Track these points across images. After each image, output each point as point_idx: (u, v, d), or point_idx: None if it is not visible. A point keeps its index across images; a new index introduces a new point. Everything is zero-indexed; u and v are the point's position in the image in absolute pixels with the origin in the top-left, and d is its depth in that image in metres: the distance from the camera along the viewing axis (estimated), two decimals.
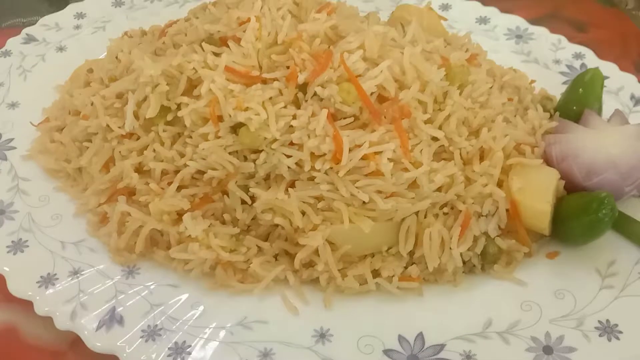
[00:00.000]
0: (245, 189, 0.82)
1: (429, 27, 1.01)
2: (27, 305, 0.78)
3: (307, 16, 0.92)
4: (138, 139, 0.87)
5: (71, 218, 0.88)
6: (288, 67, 0.84)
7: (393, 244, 0.81)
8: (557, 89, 1.03)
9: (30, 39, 1.18)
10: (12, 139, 0.99)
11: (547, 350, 0.72)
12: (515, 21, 1.20)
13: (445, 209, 0.82)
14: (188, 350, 0.73)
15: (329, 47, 0.86)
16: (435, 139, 0.83)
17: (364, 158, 0.78)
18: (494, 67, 1.00)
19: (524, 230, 0.81)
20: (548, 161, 0.86)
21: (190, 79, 0.85)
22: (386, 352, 0.73)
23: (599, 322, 0.75)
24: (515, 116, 0.92)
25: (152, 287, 0.80)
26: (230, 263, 0.80)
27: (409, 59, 0.83)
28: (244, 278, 0.81)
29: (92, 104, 0.90)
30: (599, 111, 0.94)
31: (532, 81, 1.02)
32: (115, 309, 0.77)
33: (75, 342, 0.77)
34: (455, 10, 1.23)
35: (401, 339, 0.74)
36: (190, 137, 0.84)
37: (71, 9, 1.25)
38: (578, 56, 1.11)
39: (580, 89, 0.95)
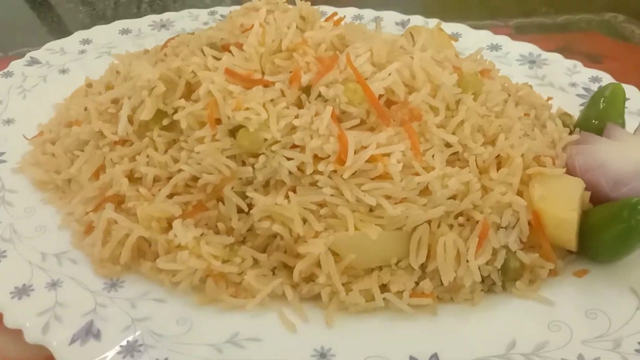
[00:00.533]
0: (243, 195, 0.76)
1: (439, 47, 0.97)
2: None
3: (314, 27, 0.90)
4: (132, 145, 0.82)
5: (56, 230, 0.82)
6: (292, 72, 0.80)
7: (403, 257, 0.73)
8: (574, 110, 0.98)
9: (33, 62, 1.16)
10: (3, 153, 0.95)
11: None
12: (528, 48, 1.17)
13: (461, 220, 0.74)
14: None
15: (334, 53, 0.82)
16: (448, 145, 0.77)
17: (370, 160, 0.72)
18: (508, 82, 0.95)
19: (548, 243, 0.74)
20: (571, 172, 0.79)
21: (189, 83, 0.81)
22: None
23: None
24: (533, 130, 0.86)
25: (135, 300, 0.73)
26: (222, 275, 0.73)
27: (419, 63, 0.79)
28: (237, 292, 0.73)
29: (85, 109, 0.86)
30: (622, 126, 0.88)
31: (549, 98, 0.97)
32: (93, 322, 0.69)
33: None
34: (465, 39, 1.20)
35: None
36: (186, 141, 0.79)
37: (78, 35, 1.24)
38: (595, 79, 1.07)
39: (602, 104, 0.89)
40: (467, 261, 0.71)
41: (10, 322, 0.69)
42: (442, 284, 0.72)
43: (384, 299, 0.71)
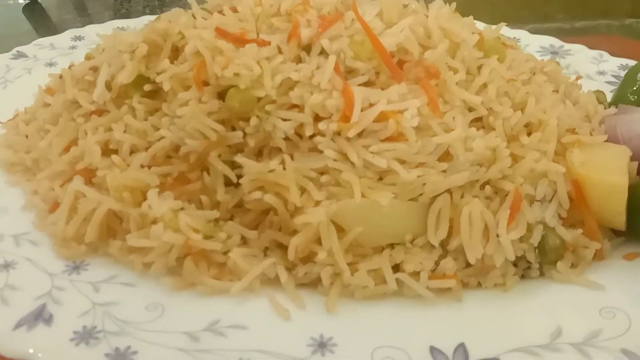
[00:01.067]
0: (231, 165, 0.65)
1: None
2: None
3: None
4: (108, 115, 0.72)
5: (18, 211, 0.72)
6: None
7: (420, 233, 0.61)
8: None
9: (20, 55, 1.09)
10: None
11: None
12: (548, 40, 1.09)
13: (488, 191, 0.63)
14: (131, 357, 0.52)
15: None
16: (471, 109, 0.66)
17: (380, 119, 0.61)
18: (533, 60, 0.85)
19: (592, 219, 0.62)
20: (613, 141, 0.68)
21: (176, 46, 0.72)
22: None
23: None
24: (564, 103, 0.76)
25: (100, 284, 0.61)
26: (203, 253, 0.61)
27: (434, 20, 0.70)
28: (220, 274, 0.61)
29: (60, 77, 0.77)
30: None
31: (579, 77, 0.87)
32: (46, 306, 0.58)
33: None
34: None
35: (434, 351, 0.53)
36: (169, 107, 0.69)
37: (69, 32, 1.18)
38: (624, 67, 0.98)
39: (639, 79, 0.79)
40: (498, 236, 0.59)
41: None
42: (467, 265, 0.60)
43: (397, 280, 0.58)
